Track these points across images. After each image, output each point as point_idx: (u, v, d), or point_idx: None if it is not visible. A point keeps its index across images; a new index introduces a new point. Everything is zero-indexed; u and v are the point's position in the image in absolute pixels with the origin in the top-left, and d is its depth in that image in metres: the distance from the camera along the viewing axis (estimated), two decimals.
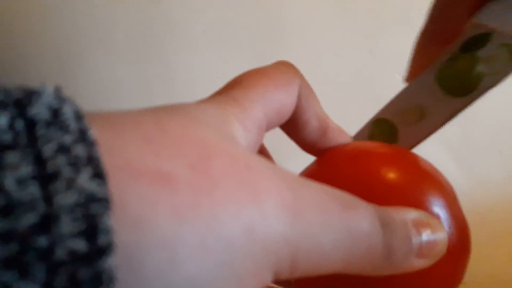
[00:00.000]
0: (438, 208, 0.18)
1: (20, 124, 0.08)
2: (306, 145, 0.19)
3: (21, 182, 0.08)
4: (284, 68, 0.17)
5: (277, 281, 0.20)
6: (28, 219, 0.08)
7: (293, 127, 0.18)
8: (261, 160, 0.12)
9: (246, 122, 0.14)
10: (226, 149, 0.12)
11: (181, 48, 0.43)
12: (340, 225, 0.12)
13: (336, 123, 0.20)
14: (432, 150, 0.43)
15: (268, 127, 0.16)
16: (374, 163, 0.19)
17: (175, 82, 0.43)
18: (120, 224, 0.08)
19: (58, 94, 0.09)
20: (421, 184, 0.18)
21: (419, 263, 0.15)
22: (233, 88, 0.15)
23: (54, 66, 0.42)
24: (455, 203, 0.19)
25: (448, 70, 0.20)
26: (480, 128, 0.43)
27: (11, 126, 0.08)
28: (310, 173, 0.20)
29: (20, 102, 0.09)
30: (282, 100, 0.16)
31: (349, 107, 0.43)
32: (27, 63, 0.42)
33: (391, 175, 0.18)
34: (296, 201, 0.12)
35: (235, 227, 0.10)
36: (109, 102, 0.43)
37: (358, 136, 0.23)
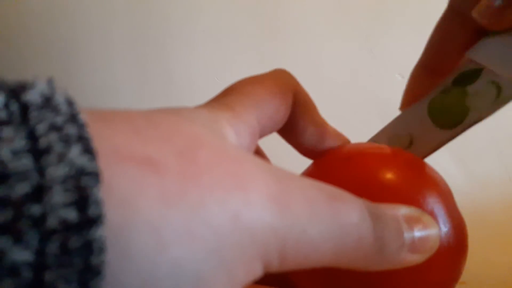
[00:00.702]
0: (433, 206, 0.18)
1: (14, 106, 0.09)
2: (304, 150, 0.19)
3: (15, 153, 0.08)
4: (279, 76, 0.17)
5: (273, 283, 0.20)
6: (22, 188, 0.08)
7: (290, 133, 0.18)
8: (249, 154, 0.12)
9: (238, 127, 0.14)
10: (214, 142, 0.12)
11: (181, 48, 0.43)
12: (328, 216, 0.12)
13: (334, 127, 0.20)
14: None
15: (262, 134, 0.16)
16: (368, 163, 0.19)
17: (175, 82, 0.43)
18: (108, 204, 0.09)
19: (51, 84, 0.10)
20: (415, 183, 0.18)
21: (412, 258, 0.15)
22: (227, 95, 0.16)
23: (54, 66, 0.42)
24: (450, 201, 0.19)
25: (438, 103, 0.21)
26: (480, 128, 0.43)
27: (6, 106, 0.09)
28: (306, 175, 0.20)
29: (14, 90, 0.09)
30: (275, 107, 0.16)
31: (349, 107, 0.44)
32: (27, 63, 0.42)
33: (385, 175, 0.18)
34: (283, 193, 0.12)
35: (222, 214, 0.10)
36: (109, 102, 0.43)
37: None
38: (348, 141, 0.21)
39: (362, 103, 0.43)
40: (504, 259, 0.33)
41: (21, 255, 0.08)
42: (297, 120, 0.18)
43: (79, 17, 0.42)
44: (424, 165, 0.20)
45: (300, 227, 0.12)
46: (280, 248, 0.11)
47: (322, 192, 0.13)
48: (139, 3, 0.43)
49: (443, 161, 0.42)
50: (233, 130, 0.14)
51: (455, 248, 0.18)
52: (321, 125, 0.19)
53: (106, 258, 0.08)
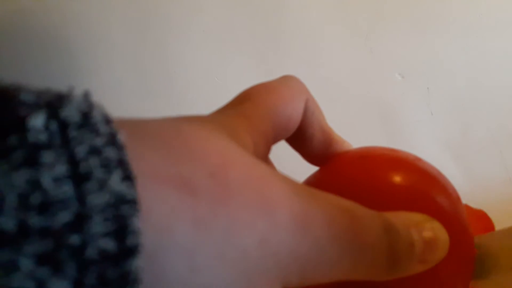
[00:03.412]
0: (441, 210, 0.18)
1: (54, 125, 0.09)
2: (311, 158, 0.20)
3: (56, 180, 0.08)
4: (290, 83, 0.18)
5: None
6: (63, 217, 0.08)
7: (298, 140, 0.18)
8: (272, 171, 0.13)
9: (255, 137, 0.15)
10: (241, 159, 0.12)
11: (181, 48, 0.43)
12: (347, 237, 0.13)
13: (340, 135, 0.20)
14: (432, 150, 0.43)
15: (275, 141, 0.17)
16: (378, 164, 0.19)
17: (175, 82, 0.43)
18: (144, 229, 0.09)
19: (87, 98, 0.10)
20: (425, 186, 0.18)
21: (421, 267, 0.15)
22: (243, 102, 0.16)
23: (54, 66, 0.42)
24: (459, 206, 0.19)
25: None
26: (480, 128, 0.43)
27: (46, 127, 0.08)
28: (317, 176, 0.20)
29: (51, 104, 0.09)
30: (289, 115, 0.16)
31: (349, 107, 0.44)
32: (27, 63, 0.42)
33: (396, 176, 0.18)
34: (305, 215, 0.12)
35: (250, 238, 0.10)
36: (109, 102, 0.43)
37: (502, 235, 0.21)
38: (351, 147, 0.21)
39: (362, 103, 0.43)
40: None
41: (60, 285, 0.08)
42: (306, 128, 0.18)
43: (78, 17, 0.42)
44: (433, 169, 0.20)
45: (321, 249, 0.12)
46: (300, 269, 0.12)
47: (342, 212, 0.13)
48: (139, 3, 0.43)
49: (443, 161, 0.42)
50: (252, 140, 0.14)
51: (463, 254, 0.18)
52: (328, 133, 0.19)
53: None
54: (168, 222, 0.09)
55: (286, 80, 0.18)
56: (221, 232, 0.10)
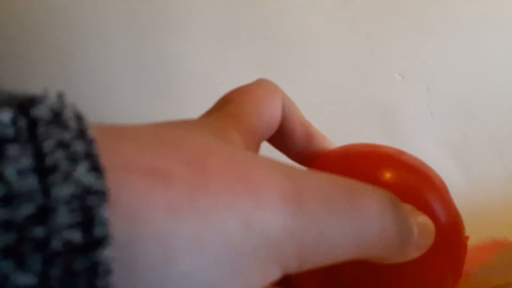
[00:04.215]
0: (429, 203, 0.18)
1: (22, 122, 0.09)
2: (294, 153, 0.20)
3: (21, 173, 0.08)
4: (265, 85, 0.18)
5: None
6: (26, 209, 0.08)
7: (280, 137, 0.19)
8: (259, 156, 0.12)
9: (244, 134, 0.15)
10: (223, 148, 0.12)
11: (180, 48, 0.43)
12: (347, 211, 0.12)
13: (318, 129, 0.21)
14: (432, 150, 0.43)
15: (262, 139, 0.17)
16: (362, 162, 0.19)
17: (175, 82, 0.43)
18: (114, 218, 0.09)
19: (61, 99, 0.10)
20: (411, 180, 0.19)
21: (415, 253, 0.15)
22: (226, 105, 0.16)
23: (54, 66, 0.42)
24: (446, 197, 0.19)
25: None
26: (480, 128, 0.43)
27: (13, 123, 0.08)
28: None
29: (23, 104, 0.09)
30: (271, 113, 0.17)
31: (349, 107, 0.44)
32: (27, 63, 0.42)
33: (380, 172, 0.18)
34: (298, 192, 0.11)
35: (232, 221, 0.10)
36: (109, 102, 0.43)
37: None
38: (333, 144, 0.21)
39: (362, 103, 0.43)
40: None
41: (24, 279, 0.08)
42: (287, 123, 0.18)
43: (77, 17, 0.42)
44: (419, 162, 0.20)
45: (317, 226, 0.11)
46: (297, 250, 0.11)
47: (338, 187, 0.13)
48: (139, 3, 0.43)
49: (443, 161, 0.42)
50: (241, 138, 0.14)
51: (452, 248, 0.18)
52: (307, 126, 0.20)
53: (112, 280, 0.08)
54: (141, 211, 0.09)
55: (261, 82, 0.18)
56: (199, 218, 0.10)
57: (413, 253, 0.15)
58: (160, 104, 0.43)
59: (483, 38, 0.42)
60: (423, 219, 0.15)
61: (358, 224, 0.12)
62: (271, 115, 0.17)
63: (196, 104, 0.45)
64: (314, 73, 0.43)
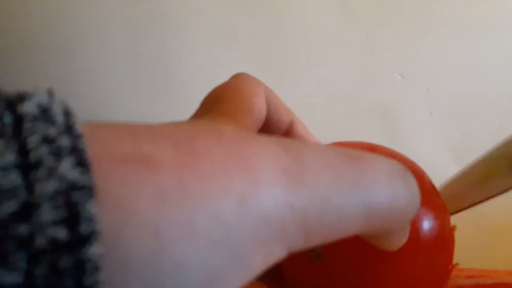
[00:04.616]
0: None
1: (7, 118, 0.08)
2: None
3: (4, 169, 0.08)
4: (247, 79, 0.18)
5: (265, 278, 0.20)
6: (9, 207, 0.08)
7: (267, 127, 0.19)
8: (252, 133, 0.12)
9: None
10: (213, 129, 0.11)
11: (180, 48, 0.43)
12: (352, 177, 0.11)
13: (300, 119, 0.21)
14: (432, 150, 0.43)
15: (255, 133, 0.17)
16: None
17: (175, 82, 0.43)
18: (101, 210, 0.08)
19: (50, 95, 0.09)
20: None
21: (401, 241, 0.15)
22: (216, 103, 0.16)
23: (54, 66, 0.42)
24: (428, 191, 0.19)
25: None
26: (480, 128, 0.43)
27: None
28: None
29: (11, 101, 0.09)
30: (259, 106, 0.17)
31: (349, 107, 0.43)
32: (27, 63, 0.42)
33: None
34: (296, 162, 0.11)
35: (226, 201, 0.10)
36: (109, 102, 0.43)
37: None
38: (311, 134, 0.21)
39: (362, 103, 0.43)
40: (503, 258, 0.33)
41: (9, 277, 0.07)
42: (272, 114, 0.18)
43: (77, 17, 0.42)
44: (402, 159, 0.20)
45: (321, 195, 0.11)
46: (301, 224, 0.10)
47: (340, 154, 0.12)
48: (139, 3, 0.43)
49: (443, 161, 0.42)
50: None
51: (436, 242, 0.19)
52: (291, 113, 0.20)
53: (100, 277, 0.08)
54: (128, 201, 0.09)
55: (241, 77, 0.18)
56: (189, 201, 0.09)
57: (402, 239, 0.14)
58: (160, 104, 0.43)
59: (483, 38, 0.42)
60: None
61: (366, 190, 0.11)
62: (259, 110, 0.17)
63: (196, 104, 0.45)
64: (314, 73, 0.43)
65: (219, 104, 0.15)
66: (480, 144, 0.43)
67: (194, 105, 0.17)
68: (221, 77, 0.19)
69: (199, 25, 0.43)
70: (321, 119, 0.41)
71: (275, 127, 0.19)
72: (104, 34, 0.43)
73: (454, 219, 0.20)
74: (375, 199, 0.11)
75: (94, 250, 0.08)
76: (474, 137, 0.43)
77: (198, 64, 0.43)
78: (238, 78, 0.18)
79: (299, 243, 0.11)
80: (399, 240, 0.14)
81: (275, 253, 0.10)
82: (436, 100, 0.42)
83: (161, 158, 0.10)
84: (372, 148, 0.20)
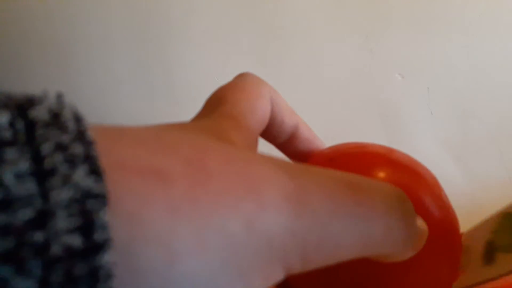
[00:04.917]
0: (422, 201, 0.18)
1: (20, 124, 0.08)
2: (284, 146, 0.20)
3: (19, 177, 0.08)
4: (251, 80, 0.18)
5: None
6: (25, 214, 0.08)
7: (270, 129, 0.19)
8: (259, 155, 0.12)
9: (245, 134, 0.15)
10: (222, 147, 0.12)
11: (180, 48, 0.43)
12: (351, 208, 0.12)
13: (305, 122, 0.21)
14: (432, 150, 0.43)
15: (258, 136, 0.17)
16: (351, 163, 0.19)
17: (175, 82, 0.43)
18: (114, 220, 0.08)
19: (60, 99, 0.09)
20: (401, 178, 0.18)
21: (411, 252, 0.15)
22: (220, 104, 0.16)
23: (54, 66, 0.42)
24: (439, 194, 0.19)
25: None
26: (480, 128, 0.43)
27: (11, 125, 0.08)
28: None
29: (22, 106, 0.09)
30: (262, 109, 0.17)
31: (349, 106, 0.43)
32: (27, 63, 0.42)
33: (369, 173, 0.18)
34: (299, 191, 0.11)
35: (234, 221, 0.10)
36: (109, 102, 0.43)
37: (481, 228, 0.21)
38: (316, 137, 0.21)
39: (362, 103, 0.43)
40: None
41: (24, 284, 0.07)
42: (276, 115, 0.18)
43: (78, 17, 0.42)
44: (410, 160, 0.20)
45: (321, 225, 0.11)
46: (300, 250, 0.11)
47: (341, 183, 0.12)
48: (139, 3, 0.43)
49: (443, 161, 0.42)
50: (242, 138, 0.14)
51: (445, 242, 0.18)
52: (295, 116, 0.20)
53: (113, 285, 0.08)
54: (141, 213, 0.09)
55: (246, 78, 0.18)
56: (200, 218, 0.09)
57: (410, 252, 0.14)
58: (161, 104, 0.43)
59: (483, 38, 0.42)
60: (419, 219, 0.15)
61: (363, 221, 0.12)
62: (264, 111, 0.17)
63: (196, 104, 0.45)
64: (314, 73, 0.43)
65: (223, 105, 0.16)
66: (480, 144, 0.44)
67: (195, 105, 0.17)
68: (222, 78, 0.19)
69: (200, 25, 0.43)
70: (321, 119, 0.41)
71: (278, 129, 0.19)
72: (105, 35, 0.43)
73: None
74: (371, 230, 0.12)
75: (107, 258, 0.08)
76: (474, 137, 0.43)
77: (199, 65, 0.43)
78: (242, 78, 0.18)
79: (297, 267, 0.11)
80: (400, 258, 0.14)
81: (275, 275, 0.11)
82: (436, 100, 0.42)
83: (174, 173, 0.10)
84: (390, 152, 0.20)
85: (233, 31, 0.43)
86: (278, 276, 0.11)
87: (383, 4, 0.43)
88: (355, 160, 0.19)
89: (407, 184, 0.18)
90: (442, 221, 0.18)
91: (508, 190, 0.42)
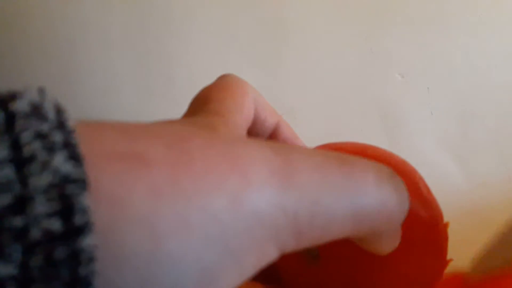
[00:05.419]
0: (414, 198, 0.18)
1: (0, 116, 0.09)
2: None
3: None
4: (233, 79, 0.18)
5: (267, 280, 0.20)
6: (3, 200, 0.08)
7: (253, 126, 0.19)
8: (243, 136, 0.12)
9: (232, 129, 0.14)
10: (206, 132, 0.12)
11: (181, 48, 0.43)
12: (342, 179, 0.12)
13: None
14: (432, 150, 0.43)
15: (244, 134, 0.17)
16: None
17: (174, 82, 0.43)
18: (96, 205, 0.09)
19: (41, 93, 0.09)
20: None
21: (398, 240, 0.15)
22: (206, 103, 0.16)
23: (54, 66, 0.42)
24: (423, 191, 0.19)
25: None
26: (480, 128, 0.43)
27: None
28: None
29: (3, 100, 0.09)
30: (248, 107, 0.17)
31: (349, 106, 0.43)
32: (27, 63, 0.42)
33: None
34: (287, 165, 0.11)
35: (219, 199, 0.10)
36: (109, 102, 0.43)
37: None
38: (295, 134, 0.21)
39: (362, 103, 0.43)
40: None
41: (4, 269, 0.07)
42: (259, 113, 0.19)
43: (77, 16, 0.42)
44: (393, 158, 0.20)
45: (311, 197, 0.11)
46: (293, 226, 0.11)
47: (330, 158, 0.12)
48: (139, 3, 0.43)
49: (443, 161, 0.42)
50: (228, 131, 0.14)
51: (428, 240, 0.19)
52: (277, 115, 0.20)
53: (96, 268, 0.08)
54: (122, 196, 0.09)
55: (228, 78, 0.18)
56: (183, 198, 0.09)
57: (398, 237, 0.14)
58: (161, 104, 0.43)
59: (483, 38, 0.42)
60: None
61: (355, 193, 0.12)
62: (248, 109, 0.17)
63: None
64: (314, 73, 0.43)
65: (209, 104, 0.16)
66: (480, 144, 0.44)
67: None
68: None
69: (200, 25, 0.43)
70: (321, 118, 0.41)
71: (261, 127, 0.19)
72: (105, 35, 0.43)
73: (448, 217, 0.20)
74: (364, 202, 0.12)
75: (88, 241, 0.08)
76: (474, 137, 0.43)
77: (199, 64, 0.43)
78: (226, 79, 0.18)
79: (291, 244, 0.11)
80: (390, 244, 0.14)
81: (268, 254, 0.11)
82: (436, 100, 0.42)
83: (154, 156, 0.10)
84: (364, 149, 0.20)
85: (233, 31, 0.43)
86: (272, 254, 0.11)
87: (383, 4, 0.43)
88: None
89: None
90: (427, 216, 0.18)
91: (508, 190, 0.42)
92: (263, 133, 0.20)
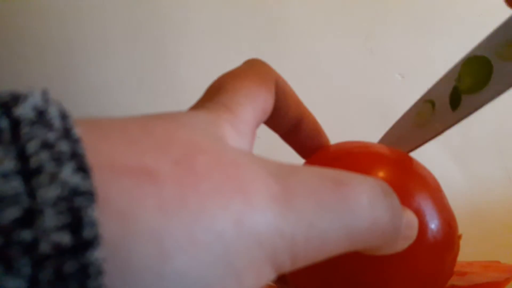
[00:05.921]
0: (420, 202, 0.18)
1: (4, 123, 0.08)
2: (288, 135, 0.20)
3: (4, 176, 0.08)
4: (257, 66, 0.18)
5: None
6: (11, 213, 0.08)
7: (275, 117, 0.18)
8: (248, 156, 0.12)
9: (240, 127, 0.14)
10: (211, 147, 0.12)
11: (180, 48, 0.43)
12: (336, 203, 0.12)
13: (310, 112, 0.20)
14: (432, 150, 0.43)
15: (257, 125, 0.17)
16: (356, 163, 0.19)
17: (174, 82, 0.43)
18: (105, 218, 0.08)
19: (45, 97, 0.09)
20: (402, 180, 0.19)
21: (403, 244, 0.15)
22: (218, 93, 0.16)
23: (54, 66, 0.42)
24: (439, 197, 0.19)
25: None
26: (480, 128, 0.43)
27: None
28: None
29: (6, 104, 0.09)
30: (265, 98, 0.16)
31: (349, 106, 0.43)
32: (27, 63, 0.42)
33: (372, 173, 0.18)
34: (285, 191, 0.11)
35: (224, 220, 0.10)
36: (109, 102, 0.43)
37: (443, 82, 0.22)
38: (322, 131, 0.21)
39: (362, 103, 0.43)
40: (504, 259, 0.33)
41: (14, 283, 0.07)
42: (280, 105, 0.18)
43: (77, 16, 0.42)
44: (411, 161, 0.20)
45: (307, 222, 0.11)
46: (289, 248, 0.11)
47: (325, 181, 0.12)
48: (139, 3, 0.43)
49: (443, 161, 0.42)
50: (235, 131, 0.14)
51: (442, 244, 0.19)
52: (302, 105, 0.19)
53: (104, 281, 0.08)
54: (130, 210, 0.09)
55: (252, 65, 0.18)
56: (190, 216, 0.10)
57: (401, 244, 0.15)
58: (160, 104, 0.43)
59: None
60: (406, 211, 0.15)
61: (348, 216, 0.12)
62: (265, 101, 0.16)
63: None
64: (314, 73, 0.43)
65: (221, 94, 0.15)
66: (480, 144, 0.43)
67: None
68: None
69: (200, 25, 0.43)
70: (321, 119, 0.41)
71: (281, 120, 0.19)
72: (104, 34, 0.43)
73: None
74: (357, 223, 0.12)
75: (97, 254, 0.08)
76: (474, 137, 0.43)
77: (199, 64, 0.43)
78: (248, 65, 0.18)
79: (287, 265, 0.11)
80: (392, 250, 0.14)
81: (265, 274, 0.11)
82: None
83: (163, 173, 0.10)
84: (393, 153, 0.20)
85: (233, 30, 0.43)
86: (269, 275, 0.11)
87: (383, 4, 0.43)
88: (359, 160, 0.19)
89: (409, 185, 0.18)
90: (441, 223, 0.18)
91: (508, 190, 0.42)
92: (283, 126, 0.19)
